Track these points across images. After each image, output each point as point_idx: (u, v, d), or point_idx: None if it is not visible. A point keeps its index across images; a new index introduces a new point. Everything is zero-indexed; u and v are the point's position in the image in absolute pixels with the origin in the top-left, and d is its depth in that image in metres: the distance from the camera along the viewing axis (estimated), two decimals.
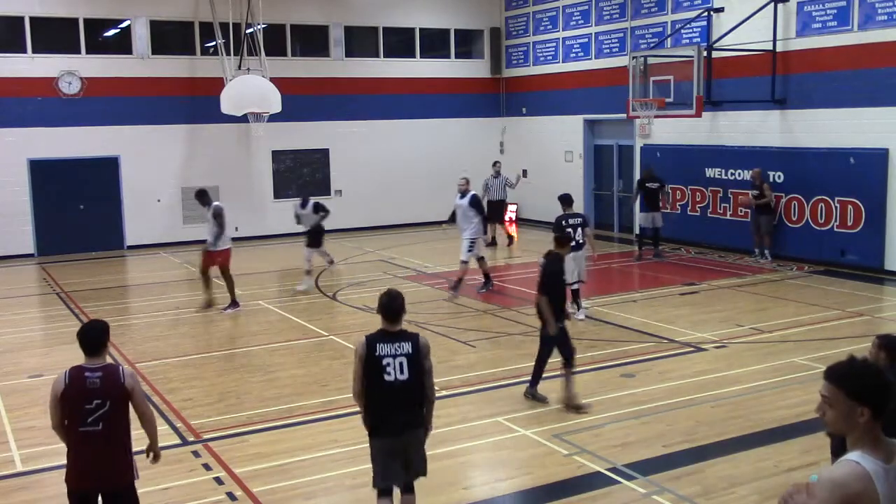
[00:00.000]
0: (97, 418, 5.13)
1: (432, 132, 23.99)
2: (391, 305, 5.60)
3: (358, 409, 5.80)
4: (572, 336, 8.91)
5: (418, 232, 22.50)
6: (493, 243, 19.55)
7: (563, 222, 12.26)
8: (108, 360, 5.41)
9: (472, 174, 23.64)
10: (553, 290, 8.75)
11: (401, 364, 5.50)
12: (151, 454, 5.51)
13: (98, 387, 5.13)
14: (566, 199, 12.76)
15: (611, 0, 21.05)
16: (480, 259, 14.50)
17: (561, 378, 8.79)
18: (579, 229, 12.32)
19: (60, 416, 5.22)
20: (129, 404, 5.26)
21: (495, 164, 20.53)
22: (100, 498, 5.33)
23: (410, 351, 5.53)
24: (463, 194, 14.40)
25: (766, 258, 16.90)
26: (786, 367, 9.90)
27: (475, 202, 14.33)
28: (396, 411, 5.55)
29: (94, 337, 5.29)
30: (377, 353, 5.50)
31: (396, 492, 5.78)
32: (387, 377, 5.48)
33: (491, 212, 20.00)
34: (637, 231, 18.74)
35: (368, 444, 5.71)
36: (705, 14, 18.13)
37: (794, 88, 16.62)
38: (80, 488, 5.26)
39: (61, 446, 7.38)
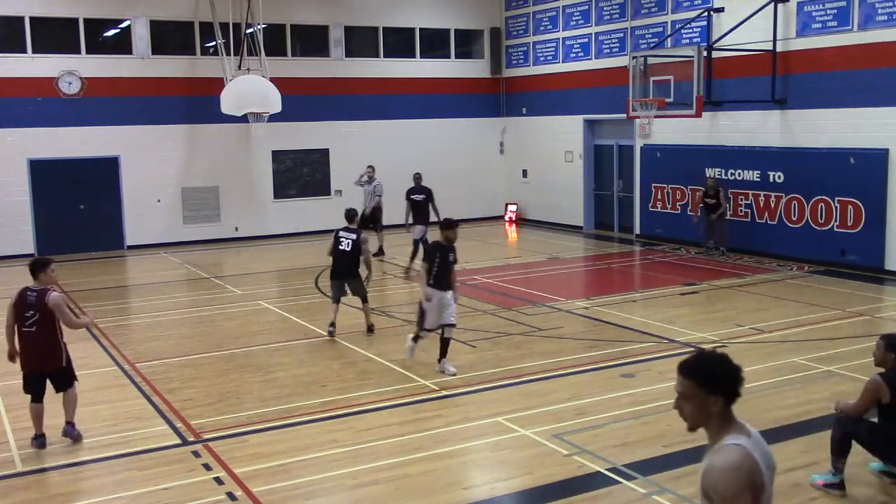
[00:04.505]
0: (32, 323, 7.71)
1: (432, 132, 23.98)
2: (348, 214, 11.92)
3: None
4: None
5: None
6: (380, 252, 18.10)
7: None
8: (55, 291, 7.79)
9: (472, 174, 23.91)
10: None
11: (348, 243, 11.47)
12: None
13: (33, 302, 7.71)
14: None
15: (611, 0, 21.05)
16: None
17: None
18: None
19: (11, 321, 7.81)
20: (56, 317, 7.68)
21: (368, 167, 18.95)
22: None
23: (355, 237, 11.49)
24: None
25: (719, 250, 17.39)
26: (786, 367, 9.90)
27: None
28: (342, 265, 11.56)
29: (34, 266, 7.83)
30: (339, 236, 11.60)
31: None
32: (340, 247, 11.52)
33: (372, 220, 18.18)
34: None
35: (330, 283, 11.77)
36: (705, 14, 18.12)
37: (794, 88, 16.62)
38: (30, 370, 7.85)
39: (61, 446, 7.46)
